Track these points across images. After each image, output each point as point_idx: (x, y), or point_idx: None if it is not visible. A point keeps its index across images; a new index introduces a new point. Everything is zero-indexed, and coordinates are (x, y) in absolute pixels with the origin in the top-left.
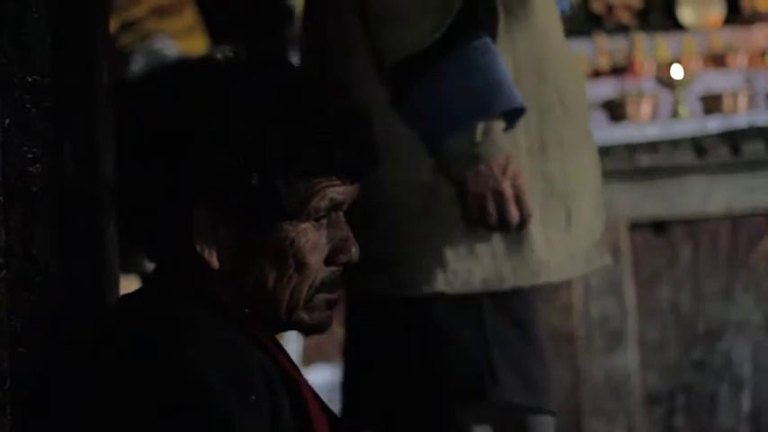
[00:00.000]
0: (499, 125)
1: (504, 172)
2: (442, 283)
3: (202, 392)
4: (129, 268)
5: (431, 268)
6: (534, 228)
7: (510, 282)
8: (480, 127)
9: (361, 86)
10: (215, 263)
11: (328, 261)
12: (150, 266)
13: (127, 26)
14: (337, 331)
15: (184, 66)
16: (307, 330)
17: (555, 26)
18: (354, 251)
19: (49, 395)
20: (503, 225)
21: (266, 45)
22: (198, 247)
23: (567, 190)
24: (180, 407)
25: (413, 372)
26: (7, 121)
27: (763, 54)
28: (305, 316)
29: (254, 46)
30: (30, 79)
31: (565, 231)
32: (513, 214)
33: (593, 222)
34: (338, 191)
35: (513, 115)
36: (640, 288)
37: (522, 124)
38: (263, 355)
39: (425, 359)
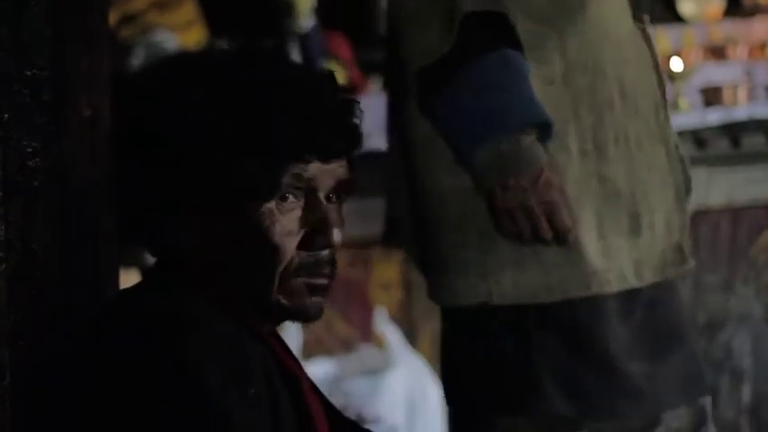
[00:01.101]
0: (527, 137)
1: (534, 186)
2: (484, 293)
3: (201, 386)
4: (129, 262)
5: (474, 278)
6: (587, 235)
7: (558, 293)
8: (505, 141)
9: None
10: (197, 253)
11: (303, 245)
12: (150, 260)
13: (127, 19)
14: (338, 325)
15: (168, 60)
16: (290, 315)
17: (617, 16)
18: (334, 235)
19: (49, 389)
20: (537, 240)
21: (265, 38)
22: (178, 237)
23: (632, 192)
24: (179, 400)
25: (462, 383)
26: (6, 115)
27: (763, 46)
28: (283, 300)
29: (250, 39)
30: (29, 73)
31: (630, 237)
32: (546, 230)
33: (672, 224)
34: (303, 168)
35: (548, 125)
36: None
37: (571, 126)
38: (262, 348)
39: (472, 370)
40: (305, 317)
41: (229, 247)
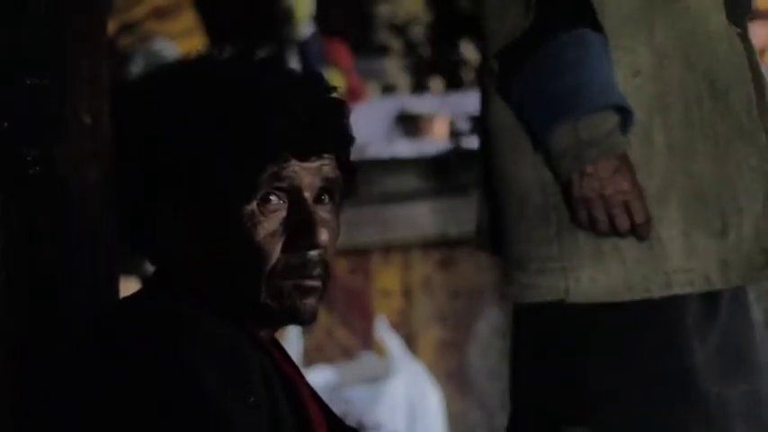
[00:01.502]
0: (608, 122)
1: (613, 174)
2: (561, 290)
3: (201, 391)
4: (129, 270)
5: (551, 274)
6: (671, 232)
7: (639, 292)
8: (583, 124)
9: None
10: (188, 259)
11: (287, 246)
12: (150, 268)
13: (126, 28)
14: (338, 333)
15: (163, 67)
16: (281, 318)
17: (708, 10)
18: (320, 236)
19: (49, 391)
20: (615, 232)
21: (264, 46)
22: (168, 242)
23: (719, 191)
24: (178, 405)
25: (529, 385)
26: (6, 123)
27: (762, 52)
28: (271, 303)
29: (246, 46)
30: (28, 81)
31: (716, 237)
32: (623, 221)
33: (760, 227)
34: (282, 167)
35: (628, 112)
36: None
37: (657, 119)
38: (261, 354)
39: (540, 372)
40: (296, 320)
41: (215, 250)
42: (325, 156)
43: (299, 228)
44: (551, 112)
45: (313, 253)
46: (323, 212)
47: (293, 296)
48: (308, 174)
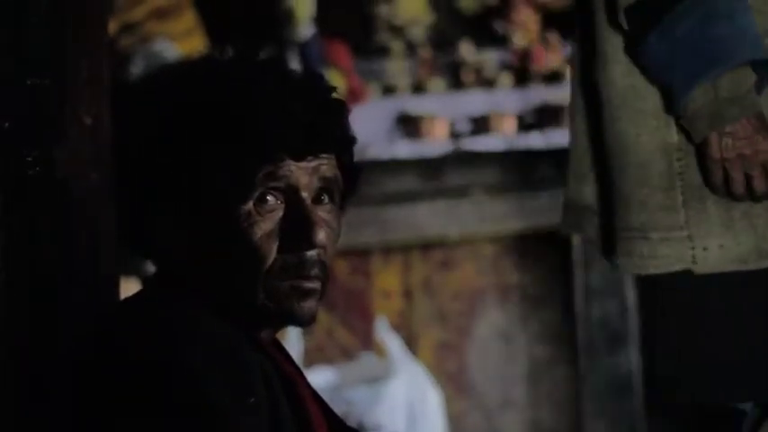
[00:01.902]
0: (748, 79)
1: (753, 134)
2: (687, 259)
3: (201, 393)
4: (129, 271)
5: (677, 243)
6: None
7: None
8: (725, 80)
9: (600, 40)
10: (186, 260)
11: (283, 246)
12: (150, 269)
13: (127, 28)
14: (339, 333)
15: (164, 68)
16: (279, 320)
17: None
18: (317, 236)
19: (50, 395)
20: (751, 196)
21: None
22: (167, 243)
23: None
24: (179, 408)
25: (659, 358)
26: (6, 123)
27: None
28: (270, 304)
29: (247, 47)
30: (29, 82)
31: None
32: (761, 184)
33: None
34: (277, 166)
35: (762, 75)
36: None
37: None
38: (262, 355)
39: (665, 345)
40: (294, 321)
41: (213, 251)
42: (324, 156)
43: (296, 227)
44: (696, 64)
45: (311, 253)
46: (322, 212)
47: (291, 297)
48: (305, 173)
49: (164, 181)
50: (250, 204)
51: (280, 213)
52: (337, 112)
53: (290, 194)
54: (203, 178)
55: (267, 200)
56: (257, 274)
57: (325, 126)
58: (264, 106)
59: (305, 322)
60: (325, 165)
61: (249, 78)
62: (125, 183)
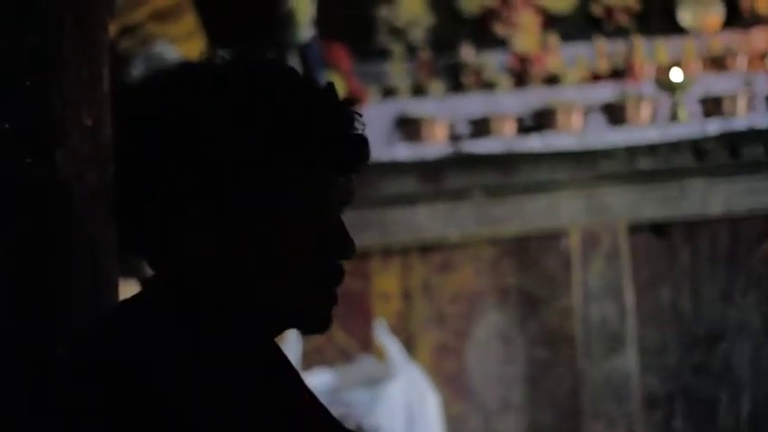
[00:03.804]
0: None
1: None
2: None
3: (200, 407)
4: (128, 272)
5: None
6: None
7: None
8: None
9: None
10: (211, 262)
11: (322, 255)
12: (149, 271)
13: (127, 30)
14: (337, 336)
15: (165, 71)
16: (304, 328)
17: None
18: (351, 246)
19: (46, 399)
20: None
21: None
22: (191, 245)
23: None
24: (178, 424)
25: None
26: (6, 125)
27: (762, 56)
28: (300, 312)
29: (251, 49)
30: (29, 83)
31: None
32: None
33: None
34: (336, 183)
35: None
36: (640, 291)
37: None
38: (261, 359)
39: None
40: (319, 329)
41: (251, 256)
42: (347, 163)
43: (335, 238)
44: None
45: (336, 263)
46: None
47: (326, 305)
48: (343, 188)
49: (193, 188)
50: (297, 216)
51: (318, 224)
52: (359, 127)
53: (326, 206)
54: (251, 189)
55: (311, 212)
56: (296, 282)
57: (367, 144)
58: (312, 121)
59: (325, 330)
60: (353, 179)
61: (278, 81)
62: (128, 186)
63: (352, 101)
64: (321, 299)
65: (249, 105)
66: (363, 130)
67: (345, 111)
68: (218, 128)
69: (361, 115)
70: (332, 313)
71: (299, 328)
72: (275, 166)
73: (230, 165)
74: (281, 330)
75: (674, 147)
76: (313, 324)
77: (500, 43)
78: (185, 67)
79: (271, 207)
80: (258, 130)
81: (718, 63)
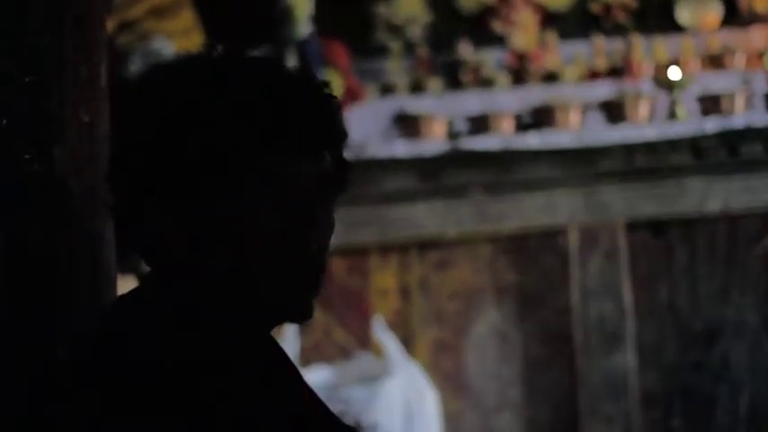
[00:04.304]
0: None
1: None
2: None
3: (196, 394)
4: (126, 268)
5: None
6: None
7: None
8: None
9: None
10: (186, 258)
11: (289, 240)
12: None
13: (125, 26)
14: (336, 333)
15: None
16: (280, 315)
17: None
18: (322, 231)
19: (47, 395)
20: None
21: (263, 45)
22: (165, 240)
23: None
24: (174, 408)
25: None
26: (5, 121)
27: (760, 55)
28: (273, 300)
29: (242, 44)
30: (27, 79)
31: None
32: None
33: None
34: (285, 162)
35: None
36: (638, 289)
37: None
38: (259, 354)
39: None
40: (296, 317)
41: (215, 248)
42: (323, 152)
43: (301, 222)
44: None
45: (314, 247)
46: (320, 209)
47: (292, 293)
48: (308, 169)
49: (170, 180)
50: (256, 200)
51: (283, 209)
52: (334, 106)
53: (292, 190)
54: (218, 176)
55: (272, 195)
56: (263, 270)
57: (326, 121)
58: (268, 102)
59: (305, 317)
60: (323, 160)
61: (248, 75)
62: (125, 182)
63: (351, 98)
64: (292, 286)
65: (243, 102)
66: (340, 114)
67: (319, 98)
68: (211, 123)
69: (336, 99)
70: (313, 299)
71: (274, 317)
72: (262, 160)
73: (215, 161)
74: (272, 324)
75: (672, 145)
76: (282, 314)
77: (498, 41)
78: (180, 64)
79: (247, 201)
80: (255, 126)
81: (716, 61)
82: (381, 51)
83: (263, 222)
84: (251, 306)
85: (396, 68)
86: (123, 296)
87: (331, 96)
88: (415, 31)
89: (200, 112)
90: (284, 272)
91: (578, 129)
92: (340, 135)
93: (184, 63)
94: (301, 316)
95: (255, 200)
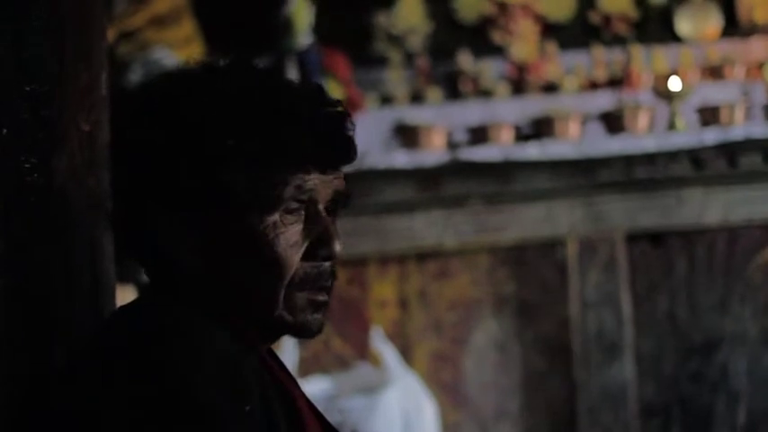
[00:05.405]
0: None
1: None
2: None
3: (198, 405)
4: (125, 278)
5: None
6: None
7: None
8: None
9: None
10: (196, 268)
11: (307, 256)
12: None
13: (125, 36)
14: (334, 343)
15: (162, 75)
16: (294, 332)
17: None
18: (336, 245)
19: (46, 409)
20: None
21: (263, 55)
22: (176, 252)
23: None
24: (176, 420)
25: None
26: (5, 130)
27: (760, 66)
28: (288, 316)
29: (245, 54)
30: (28, 89)
31: None
32: None
33: None
34: (305, 180)
35: None
36: (637, 300)
37: None
38: (258, 364)
39: None
40: (306, 333)
41: (233, 260)
42: (340, 168)
43: (319, 239)
44: None
45: (327, 264)
46: (333, 224)
47: (306, 310)
48: (325, 186)
49: (175, 192)
50: (276, 216)
51: (300, 225)
52: (349, 124)
53: (311, 206)
54: (227, 189)
55: (291, 211)
56: (281, 285)
57: (347, 139)
58: (289, 118)
59: (315, 334)
60: (338, 178)
61: (261, 88)
62: (125, 191)
63: (339, 102)
64: (302, 303)
65: (243, 111)
66: (354, 132)
67: (324, 111)
68: (213, 132)
69: (350, 116)
70: (323, 317)
71: (287, 332)
72: (266, 170)
73: (220, 171)
74: (275, 336)
75: (671, 156)
76: (293, 329)
77: (498, 51)
78: (180, 74)
79: (255, 212)
80: (255, 136)
81: (715, 72)
82: (381, 61)
83: (287, 237)
84: (263, 320)
85: (395, 79)
86: (124, 306)
87: (345, 112)
88: (415, 42)
89: (223, 124)
90: (300, 287)
91: (578, 139)
92: (356, 152)
93: (200, 72)
94: (313, 332)
95: (276, 215)
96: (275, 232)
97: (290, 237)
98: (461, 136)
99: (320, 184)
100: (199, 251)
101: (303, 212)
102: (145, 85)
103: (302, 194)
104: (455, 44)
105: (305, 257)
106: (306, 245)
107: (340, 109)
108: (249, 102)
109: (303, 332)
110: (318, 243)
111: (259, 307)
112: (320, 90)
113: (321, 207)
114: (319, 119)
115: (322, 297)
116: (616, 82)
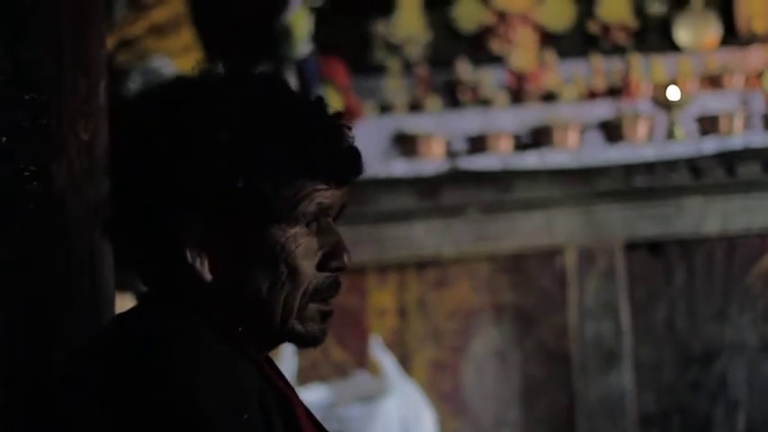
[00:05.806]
0: None
1: None
2: None
3: (197, 412)
4: (124, 286)
5: None
6: None
7: None
8: None
9: None
10: (207, 275)
11: (320, 267)
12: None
13: (124, 44)
14: (333, 351)
15: (173, 83)
16: (300, 342)
17: None
18: (346, 257)
19: (45, 417)
20: None
21: (262, 63)
22: (189, 259)
23: None
24: (175, 428)
25: None
26: (4, 138)
27: (759, 75)
28: (298, 326)
29: (246, 63)
30: (27, 97)
31: None
32: None
33: None
34: (325, 195)
35: None
36: (636, 309)
37: None
38: (256, 372)
39: None
40: (313, 343)
41: (251, 269)
42: (349, 183)
43: (332, 250)
44: None
45: (333, 275)
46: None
47: (316, 320)
48: (336, 198)
49: (185, 202)
50: (297, 227)
51: (314, 236)
52: (353, 137)
53: (321, 217)
54: (254, 199)
55: (309, 223)
56: (297, 295)
57: (358, 155)
58: (310, 132)
59: (319, 344)
60: (346, 191)
61: (275, 98)
62: (127, 202)
63: (344, 114)
64: (312, 313)
65: (244, 121)
66: (354, 142)
67: (337, 124)
68: (212, 143)
69: (351, 128)
70: (326, 326)
71: (293, 342)
72: (262, 176)
73: (215, 176)
74: (276, 344)
75: (670, 165)
76: (303, 339)
77: (497, 60)
78: (180, 83)
79: (262, 222)
80: (254, 146)
81: (714, 81)
82: (380, 70)
83: (302, 249)
84: (273, 328)
85: (394, 87)
86: (123, 313)
87: (349, 126)
88: (414, 50)
89: (251, 133)
90: (312, 298)
91: (577, 148)
92: (363, 165)
93: (214, 80)
94: (318, 341)
95: (297, 227)
96: (296, 243)
97: (307, 248)
98: (460, 145)
99: (333, 198)
100: (218, 259)
101: (316, 224)
102: (144, 94)
103: (323, 208)
104: (454, 53)
105: (317, 268)
106: (319, 256)
107: (344, 122)
108: (271, 112)
109: (310, 342)
110: (331, 254)
111: (272, 316)
112: (322, 102)
113: (330, 219)
114: (335, 133)
115: (329, 307)
116: (615, 91)
